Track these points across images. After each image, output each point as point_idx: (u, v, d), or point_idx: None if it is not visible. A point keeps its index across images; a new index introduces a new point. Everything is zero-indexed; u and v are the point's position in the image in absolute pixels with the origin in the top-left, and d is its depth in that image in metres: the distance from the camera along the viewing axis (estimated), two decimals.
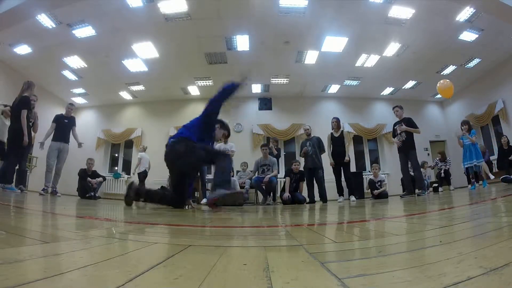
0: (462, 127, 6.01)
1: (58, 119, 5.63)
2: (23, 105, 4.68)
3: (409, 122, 5.49)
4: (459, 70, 8.66)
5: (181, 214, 2.23)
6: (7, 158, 4.62)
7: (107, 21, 6.36)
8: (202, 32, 6.81)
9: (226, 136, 3.58)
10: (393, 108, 5.76)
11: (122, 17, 6.22)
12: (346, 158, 5.53)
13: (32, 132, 5.11)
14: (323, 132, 6.14)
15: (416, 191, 5.43)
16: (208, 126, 3.13)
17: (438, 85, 6.58)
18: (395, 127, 5.63)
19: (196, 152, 2.83)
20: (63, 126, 5.62)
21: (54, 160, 5.41)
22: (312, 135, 5.89)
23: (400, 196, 5.60)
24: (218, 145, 6.41)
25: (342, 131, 5.75)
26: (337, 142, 5.63)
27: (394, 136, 5.77)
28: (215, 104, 3.06)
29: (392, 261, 0.54)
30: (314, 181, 5.65)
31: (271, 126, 9.95)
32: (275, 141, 7.23)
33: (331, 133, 5.79)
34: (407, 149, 5.41)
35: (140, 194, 3.00)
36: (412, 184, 5.51)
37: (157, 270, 0.48)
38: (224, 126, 3.47)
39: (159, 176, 8.88)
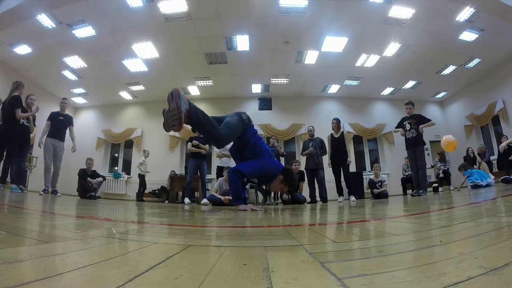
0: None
1: (52, 117, 5.50)
2: (15, 104, 4.71)
3: (420, 119, 5.36)
4: (459, 70, 8.66)
5: (181, 214, 2.23)
6: (9, 159, 4.64)
7: (107, 21, 6.37)
8: (202, 32, 6.81)
9: (286, 192, 3.11)
10: (406, 105, 5.55)
11: (122, 17, 6.22)
12: (349, 159, 5.55)
13: (30, 132, 5.12)
14: (323, 132, 6.16)
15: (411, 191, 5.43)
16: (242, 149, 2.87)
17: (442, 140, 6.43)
18: (404, 123, 5.49)
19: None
20: (58, 124, 5.48)
21: (50, 159, 5.31)
22: (315, 136, 5.95)
23: (411, 195, 5.55)
24: (226, 160, 6.26)
25: (342, 132, 5.77)
26: (337, 143, 5.65)
27: (398, 127, 5.62)
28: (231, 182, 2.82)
29: (392, 261, 0.54)
30: (315, 182, 5.73)
31: (271, 126, 9.96)
32: (276, 139, 7.04)
33: (331, 134, 5.80)
34: (415, 145, 5.28)
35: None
36: (411, 182, 5.49)
37: (157, 270, 0.48)
38: (289, 181, 2.93)
39: (159, 177, 8.92)
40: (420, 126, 5.24)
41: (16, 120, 4.70)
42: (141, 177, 8.51)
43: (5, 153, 4.73)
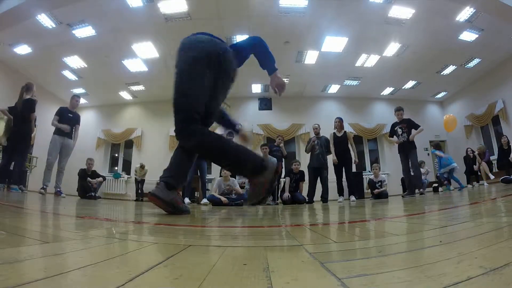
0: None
1: (62, 113, 5.19)
2: (32, 108, 4.77)
3: (410, 123, 5.51)
4: (459, 70, 8.67)
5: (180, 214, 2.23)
6: (15, 160, 4.68)
7: (107, 21, 6.37)
8: None
9: None
10: (397, 111, 5.72)
11: (122, 17, 6.22)
12: (355, 159, 5.57)
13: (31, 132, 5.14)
14: (323, 132, 6.14)
15: (416, 191, 5.44)
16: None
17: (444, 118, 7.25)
18: (395, 128, 5.65)
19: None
20: (67, 121, 5.16)
21: (55, 157, 5.06)
22: (320, 135, 5.94)
23: (402, 196, 5.61)
24: None
25: (345, 131, 5.75)
26: (340, 142, 5.63)
27: (391, 135, 5.79)
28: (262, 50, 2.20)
29: (392, 261, 0.54)
30: (318, 181, 5.70)
31: (271, 126, 9.96)
32: (282, 140, 6.90)
33: (334, 133, 5.79)
34: (408, 149, 5.42)
35: None
36: (410, 184, 5.51)
37: (157, 270, 0.48)
38: None
39: (159, 177, 8.92)
40: (411, 135, 5.37)
41: (29, 122, 4.77)
42: (136, 181, 8.85)
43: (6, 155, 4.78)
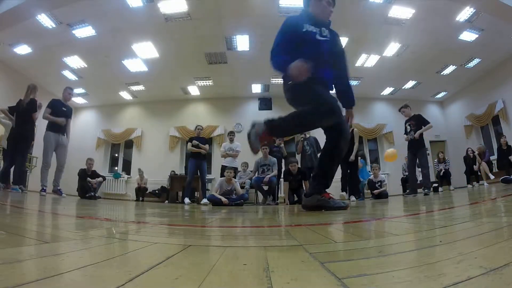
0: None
1: (55, 105, 4.82)
2: (34, 107, 4.78)
3: (419, 120, 5.47)
4: (459, 70, 8.67)
5: (181, 214, 2.23)
6: (16, 160, 4.69)
7: (107, 21, 6.37)
8: (202, 32, 6.81)
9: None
10: (400, 110, 5.69)
11: (122, 17, 6.22)
12: (351, 157, 5.45)
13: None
14: (322, 132, 6.11)
15: (419, 190, 5.41)
16: None
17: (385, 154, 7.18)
18: (407, 124, 5.58)
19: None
20: (61, 115, 4.82)
21: (51, 155, 4.79)
22: (308, 135, 5.91)
23: (404, 196, 5.58)
24: (223, 145, 6.48)
25: (353, 129, 5.65)
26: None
27: (406, 133, 5.67)
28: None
29: (392, 261, 0.54)
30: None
31: None
32: (282, 140, 6.94)
33: None
34: (417, 147, 5.37)
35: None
36: (414, 183, 5.47)
37: (157, 270, 0.48)
38: None
39: (159, 177, 8.91)
40: (417, 133, 5.32)
41: (31, 122, 4.78)
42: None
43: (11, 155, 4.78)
